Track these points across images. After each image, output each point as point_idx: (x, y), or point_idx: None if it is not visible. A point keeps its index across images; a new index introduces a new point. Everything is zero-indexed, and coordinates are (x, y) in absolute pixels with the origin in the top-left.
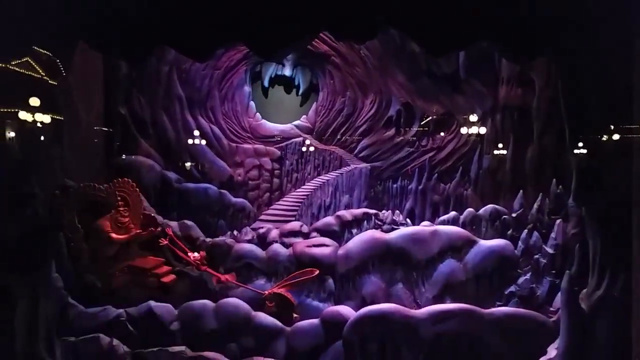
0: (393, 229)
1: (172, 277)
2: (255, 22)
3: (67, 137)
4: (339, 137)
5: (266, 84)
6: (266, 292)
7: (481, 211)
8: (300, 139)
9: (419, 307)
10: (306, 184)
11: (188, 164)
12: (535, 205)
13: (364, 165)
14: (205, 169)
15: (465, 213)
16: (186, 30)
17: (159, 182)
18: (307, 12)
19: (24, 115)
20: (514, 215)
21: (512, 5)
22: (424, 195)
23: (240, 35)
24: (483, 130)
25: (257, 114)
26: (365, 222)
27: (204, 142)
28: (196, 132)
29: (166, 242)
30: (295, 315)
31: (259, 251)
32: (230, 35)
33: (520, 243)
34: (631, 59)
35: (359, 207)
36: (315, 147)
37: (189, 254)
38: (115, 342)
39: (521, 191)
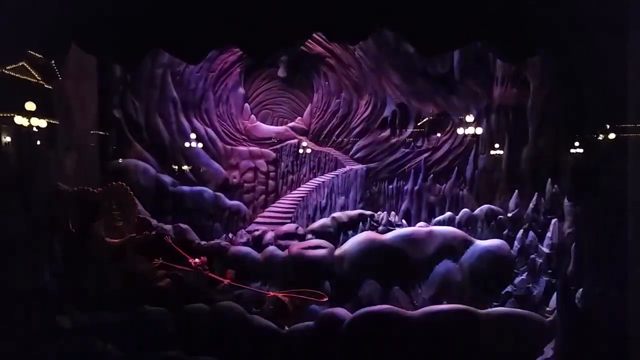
0: (389, 230)
1: (167, 281)
2: (248, 24)
3: (61, 140)
4: (334, 138)
5: None
6: (271, 293)
7: (477, 211)
8: (296, 140)
9: (416, 308)
10: (302, 185)
11: (183, 167)
12: (531, 205)
13: (359, 166)
14: (200, 172)
15: (461, 213)
16: (178, 33)
17: (153, 186)
18: (299, 14)
19: (17, 119)
20: (509, 215)
21: (505, 5)
22: (420, 196)
23: (232, 37)
24: (478, 130)
25: (252, 116)
26: (361, 223)
27: (199, 144)
28: (191, 135)
29: (160, 261)
30: (286, 327)
31: (255, 254)
32: (222, 37)
33: (516, 243)
34: (625, 58)
35: (354, 209)
36: (311, 149)
37: (190, 260)
38: (110, 346)
39: (517, 191)
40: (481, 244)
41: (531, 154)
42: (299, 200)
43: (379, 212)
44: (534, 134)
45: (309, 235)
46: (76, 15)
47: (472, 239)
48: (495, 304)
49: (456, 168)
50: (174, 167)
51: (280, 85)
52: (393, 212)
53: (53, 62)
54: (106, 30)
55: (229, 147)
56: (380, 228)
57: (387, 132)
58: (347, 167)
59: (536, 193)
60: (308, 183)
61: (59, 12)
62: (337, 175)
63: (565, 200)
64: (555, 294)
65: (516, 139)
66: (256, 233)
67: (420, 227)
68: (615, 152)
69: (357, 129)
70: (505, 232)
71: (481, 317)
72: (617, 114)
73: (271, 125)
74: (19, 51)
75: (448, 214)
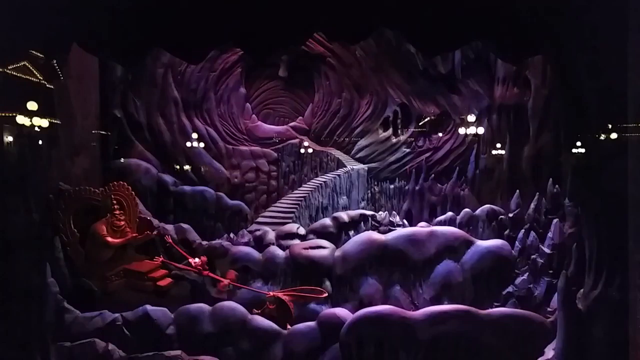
0: (390, 230)
1: (168, 280)
2: (248, 24)
3: (63, 140)
4: (335, 138)
5: None
6: (271, 292)
7: (478, 211)
8: (297, 140)
9: (417, 308)
10: (303, 185)
11: (184, 167)
12: (532, 205)
13: (360, 166)
14: (202, 172)
15: (462, 213)
16: (179, 33)
17: (155, 186)
18: (300, 13)
19: (19, 119)
20: (510, 215)
21: (506, 6)
22: (421, 196)
23: (233, 37)
24: (480, 130)
25: (253, 115)
26: (362, 223)
27: (200, 144)
28: (192, 135)
29: (161, 259)
30: (288, 326)
31: (256, 254)
32: (223, 37)
33: (517, 243)
34: (626, 57)
35: (356, 209)
36: (312, 149)
37: (190, 260)
38: (111, 346)
39: (518, 191)
40: (482, 244)
41: (532, 153)
42: (300, 200)
43: (380, 212)
44: (535, 133)
45: (310, 235)
46: (78, 15)
47: (473, 239)
48: (496, 304)
49: (457, 168)
50: (175, 167)
51: (281, 85)
52: (394, 212)
53: (54, 62)
54: (108, 31)
55: (230, 146)
56: (382, 228)
57: (388, 132)
58: (349, 167)
59: (537, 193)
60: (309, 183)
61: (61, 13)
62: (338, 175)
63: (566, 201)
64: (556, 294)
65: (517, 138)
66: (257, 233)
67: (422, 227)
68: (616, 152)
69: (358, 129)
70: (506, 232)
71: (482, 317)
72: (617, 114)
73: (272, 125)
74: (20, 51)
75: (449, 214)
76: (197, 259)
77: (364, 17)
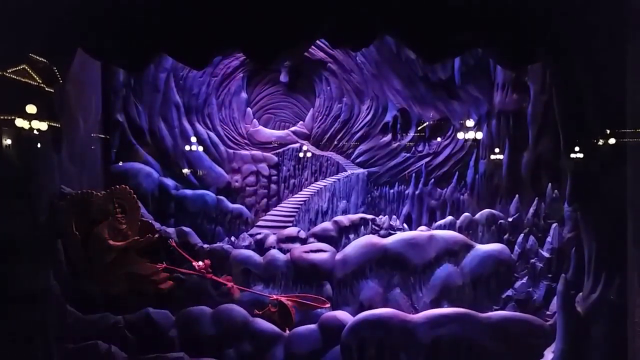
0: (390, 234)
1: (170, 283)
2: (252, 30)
3: (65, 144)
4: (335, 143)
5: None
6: (275, 296)
7: (478, 216)
8: (297, 145)
9: (417, 311)
10: (303, 189)
11: (185, 171)
12: (532, 210)
13: (360, 170)
14: (203, 176)
15: (461, 218)
16: (183, 38)
17: (156, 189)
18: (303, 20)
19: (21, 122)
20: (510, 219)
21: (505, 12)
22: (421, 200)
23: (236, 42)
24: (479, 135)
25: (255, 120)
26: (362, 227)
27: (201, 148)
28: (193, 139)
29: (164, 265)
30: (287, 331)
31: (257, 257)
32: (226, 42)
33: (516, 247)
34: (625, 64)
35: (356, 213)
36: (312, 153)
37: (194, 263)
38: (114, 348)
39: (517, 196)
40: (482, 248)
41: (532, 159)
42: (301, 204)
43: (380, 216)
44: (534, 139)
45: (311, 239)
46: (81, 20)
47: (473, 243)
48: (495, 307)
49: (457, 173)
50: (176, 170)
51: (282, 90)
52: (394, 216)
53: (55, 67)
54: (111, 35)
55: (231, 151)
56: (382, 232)
57: (388, 137)
58: (349, 172)
59: (536, 198)
60: (310, 187)
61: (65, 17)
62: (338, 179)
63: (565, 205)
64: (555, 298)
65: (516, 143)
66: (258, 236)
67: (422, 231)
68: (615, 157)
69: (359, 134)
70: (505, 236)
71: (482, 320)
72: (616, 119)
73: (273, 129)
74: (24, 56)
75: (449, 218)
76: (200, 262)
77: (367, 25)
